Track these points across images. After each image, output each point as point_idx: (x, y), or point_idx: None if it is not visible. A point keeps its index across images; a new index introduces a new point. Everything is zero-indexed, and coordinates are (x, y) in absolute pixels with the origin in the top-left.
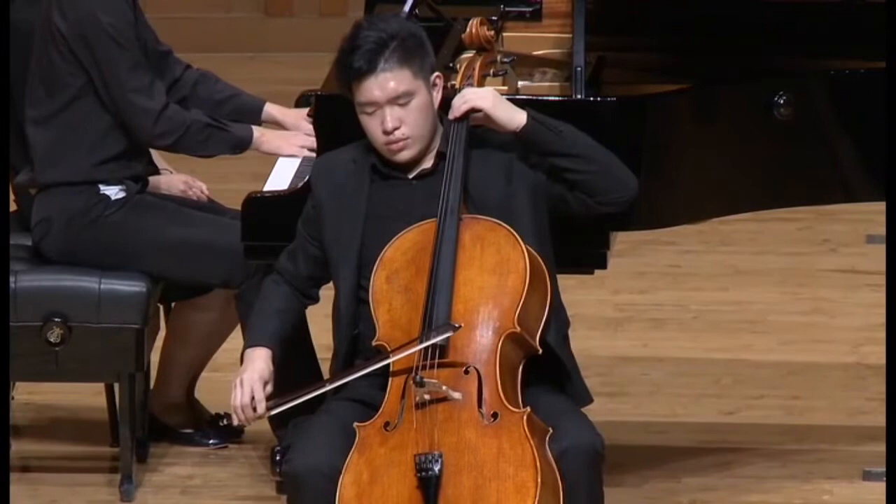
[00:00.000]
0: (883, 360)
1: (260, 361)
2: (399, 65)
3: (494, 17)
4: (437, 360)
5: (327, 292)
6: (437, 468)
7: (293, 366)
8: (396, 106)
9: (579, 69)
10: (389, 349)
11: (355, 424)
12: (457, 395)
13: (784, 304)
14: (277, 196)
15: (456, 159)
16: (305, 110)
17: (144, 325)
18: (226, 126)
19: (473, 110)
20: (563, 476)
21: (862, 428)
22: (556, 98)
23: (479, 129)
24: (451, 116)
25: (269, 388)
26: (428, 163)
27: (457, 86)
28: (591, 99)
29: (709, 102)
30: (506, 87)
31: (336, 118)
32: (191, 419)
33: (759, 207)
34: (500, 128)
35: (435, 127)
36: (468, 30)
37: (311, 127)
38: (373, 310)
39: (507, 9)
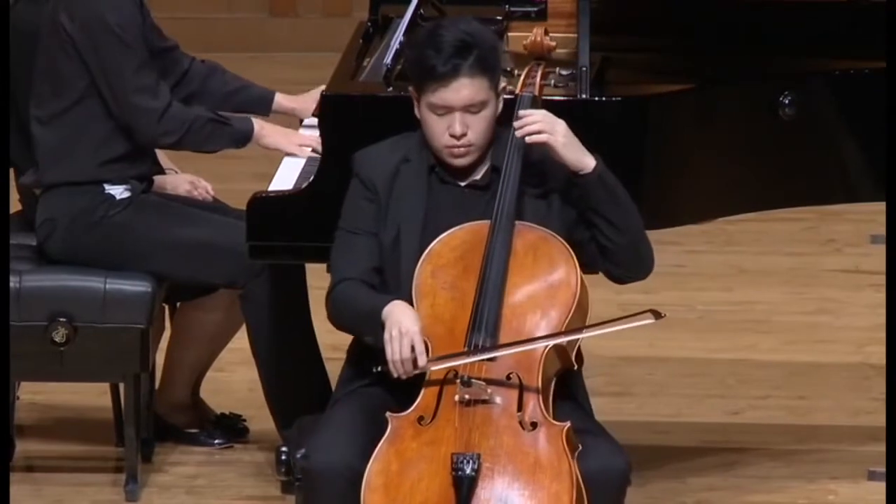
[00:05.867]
0: None
1: (409, 310)
2: (480, 73)
3: (500, 17)
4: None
5: None
6: (473, 469)
7: (297, 367)
8: (468, 113)
9: (584, 69)
10: (430, 344)
11: (388, 414)
12: (498, 399)
13: (788, 304)
14: (282, 196)
15: (514, 165)
16: (317, 91)
17: (149, 325)
18: (227, 121)
19: (542, 142)
20: (589, 496)
21: (866, 428)
22: (561, 98)
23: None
24: (518, 133)
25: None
26: (479, 174)
27: (516, 91)
28: (596, 99)
29: (713, 103)
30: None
31: (341, 117)
32: (196, 419)
33: (763, 207)
34: (563, 163)
35: (494, 136)
36: (533, 38)
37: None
38: (415, 301)
39: (511, 9)
